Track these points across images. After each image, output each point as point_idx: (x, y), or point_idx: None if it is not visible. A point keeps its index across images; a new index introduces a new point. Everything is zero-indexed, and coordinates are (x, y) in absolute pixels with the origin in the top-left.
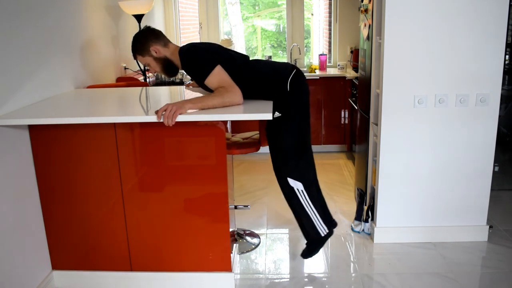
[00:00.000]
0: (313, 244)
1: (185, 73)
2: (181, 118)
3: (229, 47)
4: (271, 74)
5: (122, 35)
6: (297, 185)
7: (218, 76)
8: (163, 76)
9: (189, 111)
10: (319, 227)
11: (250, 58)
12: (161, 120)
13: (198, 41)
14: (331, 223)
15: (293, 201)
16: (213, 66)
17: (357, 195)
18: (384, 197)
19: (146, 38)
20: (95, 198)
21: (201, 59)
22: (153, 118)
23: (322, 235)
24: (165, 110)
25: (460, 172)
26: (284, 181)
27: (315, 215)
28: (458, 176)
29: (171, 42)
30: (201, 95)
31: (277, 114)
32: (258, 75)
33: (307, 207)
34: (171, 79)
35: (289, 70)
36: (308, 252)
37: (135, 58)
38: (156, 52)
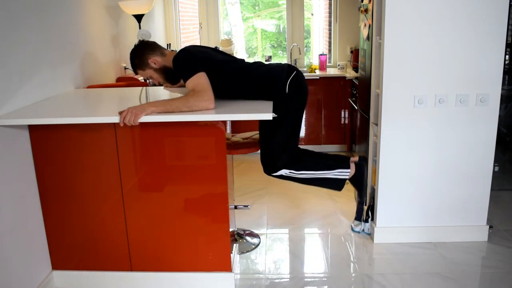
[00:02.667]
0: (354, 183)
1: None
2: (181, 118)
3: (229, 47)
4: (268, 76)
5: (122, 35)
6: (280, 172)
7: (196, 80)
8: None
9: (150, 114)
10: (336, 175)
11: (250, 59)
12: (122, 125)
13: (198, 41)
14: (345, 162)
15: (291, 180)
16: (195, 71)
17: (357, 195)
18: (384, 197)
19: (142, 52)
20: (95, 198)
21: (186, 64)
22: (154, 119)
23: (346, 176)
24: (126, 114)
25: (460, 172)
26: (269, 174)
27: (320, 173)
28: (458, 176)
29: (167, 50)
30: (179, 95)
31: (273, 115)
32: (255, 77)
33: (307, 175)
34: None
35: (287, 71)
36: (359, 189)
37: (136, 73)
38: (155, 63)
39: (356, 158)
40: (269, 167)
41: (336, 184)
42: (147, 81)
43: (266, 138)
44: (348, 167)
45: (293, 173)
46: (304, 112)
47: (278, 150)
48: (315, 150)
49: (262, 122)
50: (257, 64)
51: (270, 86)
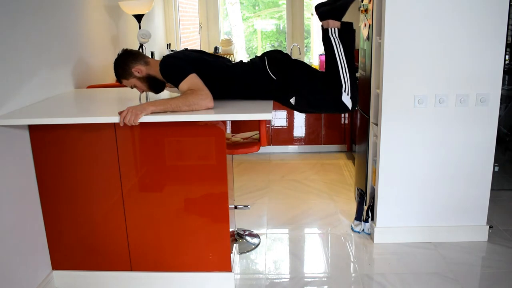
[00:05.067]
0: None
1: None
2: (181, 118)
3: (229, 47)
4: (251, 78)
5: (122, 35)
6: (344, 96)
7: (189, 81)
8: None
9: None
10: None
11: (250, 58)
12: (122, 125)
13: (198, 41)
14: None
15: (352, 78)
16: (186, 73)
17: (357, 195)
18: (384, 197)
19: (125, 61)
20: (95, 198)
21: (175, 68)
22: (154, 118)
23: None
24: (126, 114)
25: (460, 172)
26: (354, 105)
27: (342, 49)
28: (458, 176)
29: (151, 59)
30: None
31: (292, 100)
32: (244, 79)
33: (348, 61)
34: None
35: (262, 63)
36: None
37: (120, 83)
38: (139, 72)
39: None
40: (339, 104)
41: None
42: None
43: (312, 103)
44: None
45: (345, 87)
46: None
47: (323, 93)
48: (314, 150)
49: (294, 106)
50: (240, 64)
51: (263, 85)
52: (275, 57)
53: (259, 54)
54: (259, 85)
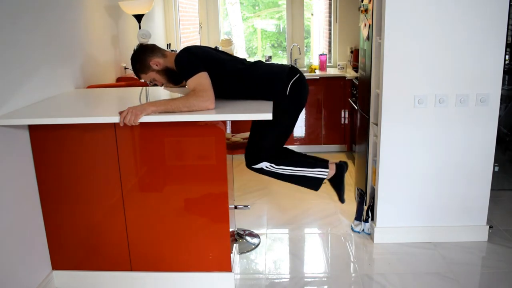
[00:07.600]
0: (333, 184)
1: None
2: (181, 118)
3: (229, 47)
4: (270, 76)
5: (122, 35)
6: (261, 165)
7: (197, 80)
8: None
9: (151, 114)
10: (315, 174)
11: (251, 59)
12: (122, 125)
13: (198, 41)
14: (325, 162)
15: (269, 175)
16: (196, 71)
17: (357, 195)
18: (384, 197)
19: (143, 55)
20: (95, 198)
21: (188, 63)
22: (154, 119)
23: (324, 176)
24: (126, 114)
25: (460, 172)
26: (249, 166)
27: (299, 170)
28: (458, 176)
29: (167, 51)
30: (179, 95)
31: (270, 116)
32: (257, 78)
33: (286, 171)
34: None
35: (290, 73)
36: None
37: (139, 78)
38: (157, 65)
39: (336, 161)
40: (251, 160)
41: (314, 183)
42: (148, 83)
43: (257, 133)
44: (327, 168)
45: (273, 167)
46: (303, 112)
47: (266, 146)
48: (314, 150)
49: (261, 120)
50: (259, 64)
51: (271, 87)
52: (303, 84)
53: (259, 54)
54: (273, 88)
